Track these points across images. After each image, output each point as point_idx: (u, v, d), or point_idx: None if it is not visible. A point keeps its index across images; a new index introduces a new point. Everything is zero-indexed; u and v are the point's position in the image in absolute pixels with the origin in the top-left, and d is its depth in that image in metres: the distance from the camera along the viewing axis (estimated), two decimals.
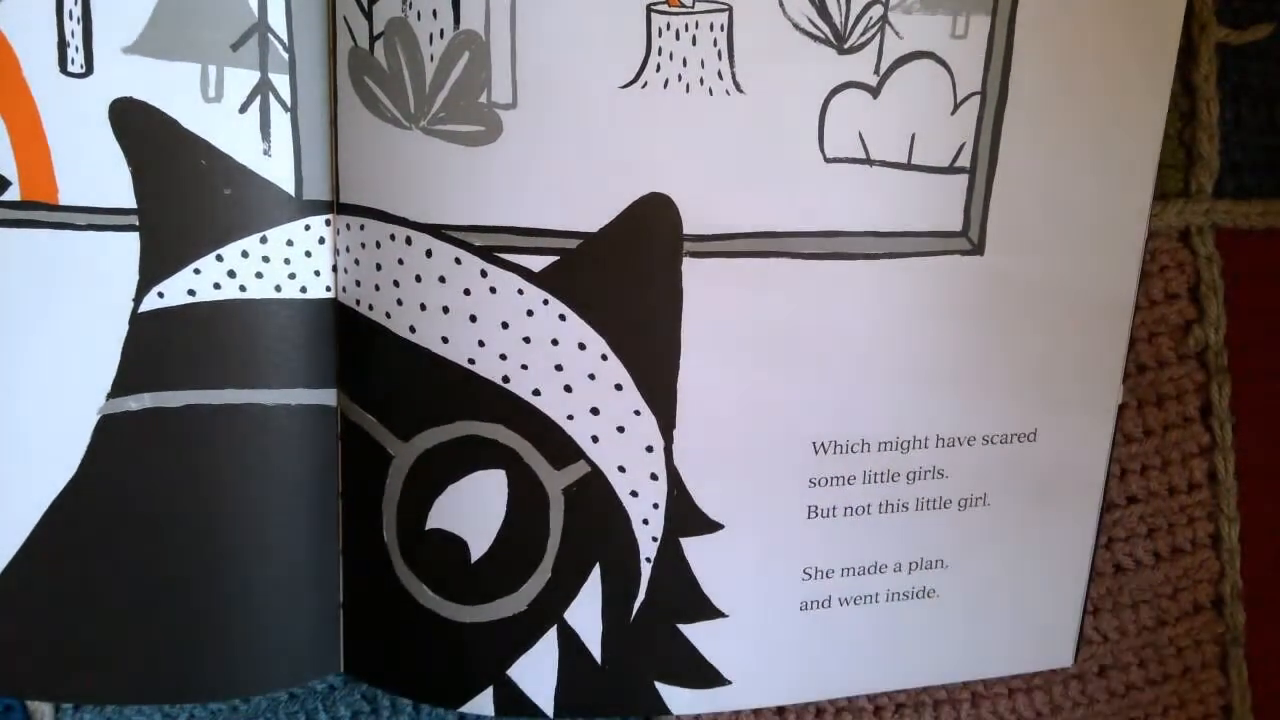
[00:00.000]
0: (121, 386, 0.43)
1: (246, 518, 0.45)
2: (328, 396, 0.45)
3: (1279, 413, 0.49)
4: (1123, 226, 0.45)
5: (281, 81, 0.42)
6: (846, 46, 0.41)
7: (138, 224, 0.42)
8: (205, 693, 0.47)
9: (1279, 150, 0.48)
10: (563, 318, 0.43)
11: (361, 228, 0.43)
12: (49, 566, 0.44)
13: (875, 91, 0.42)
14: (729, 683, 0.47)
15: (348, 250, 0.44)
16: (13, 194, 0.42)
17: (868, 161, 0.42)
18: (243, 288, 0.43)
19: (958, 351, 0.45)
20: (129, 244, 0.42)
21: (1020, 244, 0.44)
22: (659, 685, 0.47)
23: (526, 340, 0.43)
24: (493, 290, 0.42)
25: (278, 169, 0.43)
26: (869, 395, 0.45)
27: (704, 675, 0.47)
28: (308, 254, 0.44)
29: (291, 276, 0.44)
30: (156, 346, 0.43)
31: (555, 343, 0.43)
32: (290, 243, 0.43)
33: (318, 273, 0.44)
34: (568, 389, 0.43)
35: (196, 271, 0.43)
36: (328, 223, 0.44)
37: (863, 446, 0.46)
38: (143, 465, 0.44)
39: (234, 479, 0.44)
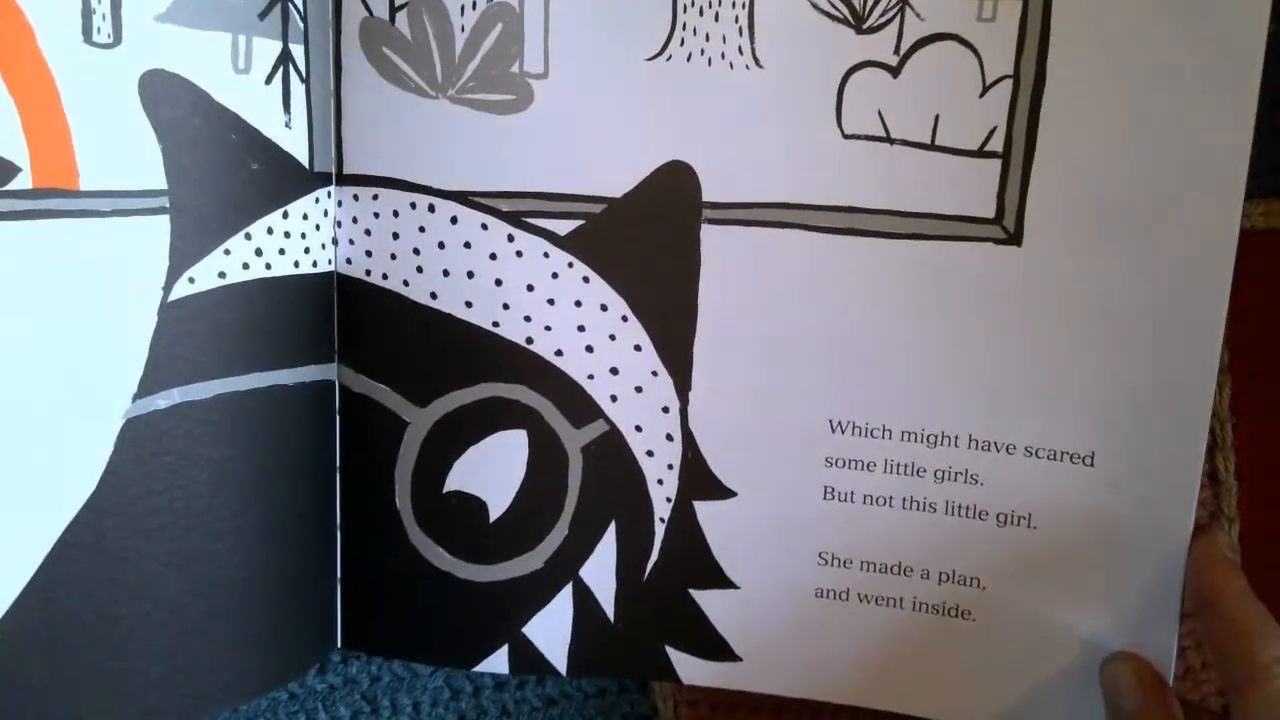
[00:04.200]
0: (149, 384, 0.40)
1: (265, 508, 0.43)
2: (331, 371, 0.45)
3: (1279, 413, 0.49)
4: (1204, 231, 0.41)
5: (299, 52, 0.42)
6: (865, 26, 0.42)
7: (167, 206, 0.39)
8: (219, 704, 0.44)
9: (1279, 150, 0.48)
10: (586, 280, 0.44)
11: (374, 197, 0.44)
12: (69, 588, 0.40)
13: (895, 71, 0.42)
14: (739, 659, 0.47)
15: (354, 221, 0.44)
16: (23, 181, 0.36)
17: (888, 140, 0.43)
18: (268, 266, 0.42)
19: (992, 347, 0.43)
20: (158, 228, 0.39)
21: (1068, 239, 0.42)
22: (669, 650, 0.47)
23: (550, 302, 0.44)
24: (519, 254, 0.44)
25: (296, 141, 0.43)
26: (889, 378, 0.44)
27: (714, 646, 0.47)
28: (317, 227, 0.44)
29: (306, 251, 0.43)
30: (186, 336, 0.40)
31: (578, 304, 0.44)
32: (305, 216, 0.43)
33: (324, 246, 0.44)
34: (589, 349, 0.44)
35: (227, 252, 0.41)
36: (330, 194, 0.44)
37: (883, 432, 0.45)
38: (170, 466, 0.40)
39: (256, 467, 0.43)
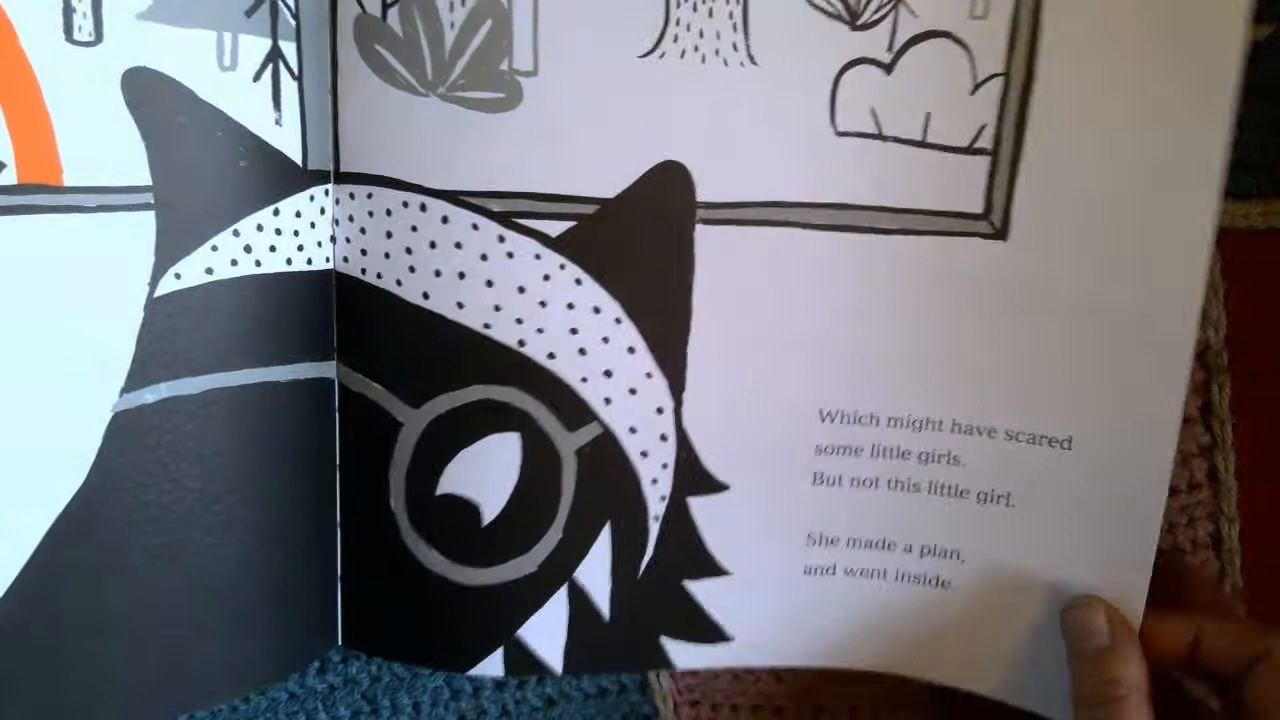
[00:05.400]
0: (137, 379, 0.40)
1: (258, 503, 0.44)
2: (328, 369, 0.45)
3: (1279, 413, 0.49)
4: (1181, 228, 0.42)
5: (290, 49, 0.42)
6: (859, 23, 0.42)
7: (153, 202, 0.39)
8: (212, 696, 0.45)
9: (1279, 150, 0.48)
10: (579, 282, 0.43)
11: (369, 196, 0.43)
12: (57, 581, 0.40)
13: (888, 68, 0.42)
14: (730, 639, 0.48)
15: (350, 220, 0.44)
16: (8, 177, 0.37)
17: (880, 137, 0.43)
18: (258, 263, 0.42)
19: (977, 337, 0.44)
20: (144, 224, 0.39)
21: (1052, 235, 0.43)
22: (663, 640, 0.47)
23: (543, 304, 0.44)
24: (510, 255, 0.43)
25: (287, 139, 0.42)
26: (878, 368, 0.45)
27: (707, 631, 0.47)
28: (312, 225, 0.43)
29: (300, 249, 0.43)
30: (174, 332, 0.40)
31: (571, 306, 0.44)
32: (298, 214, 0.43)
33: (320, 244, 0.44)
34: (582, 352, 0.44)
35: (214, 248, 0.41)
36: (326, 192, 0.44)
37: (871, 419, 0.46)
38: (159, 460, 0.41)
39: (248, 462, 0.43)
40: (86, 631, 0.41)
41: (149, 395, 0.40)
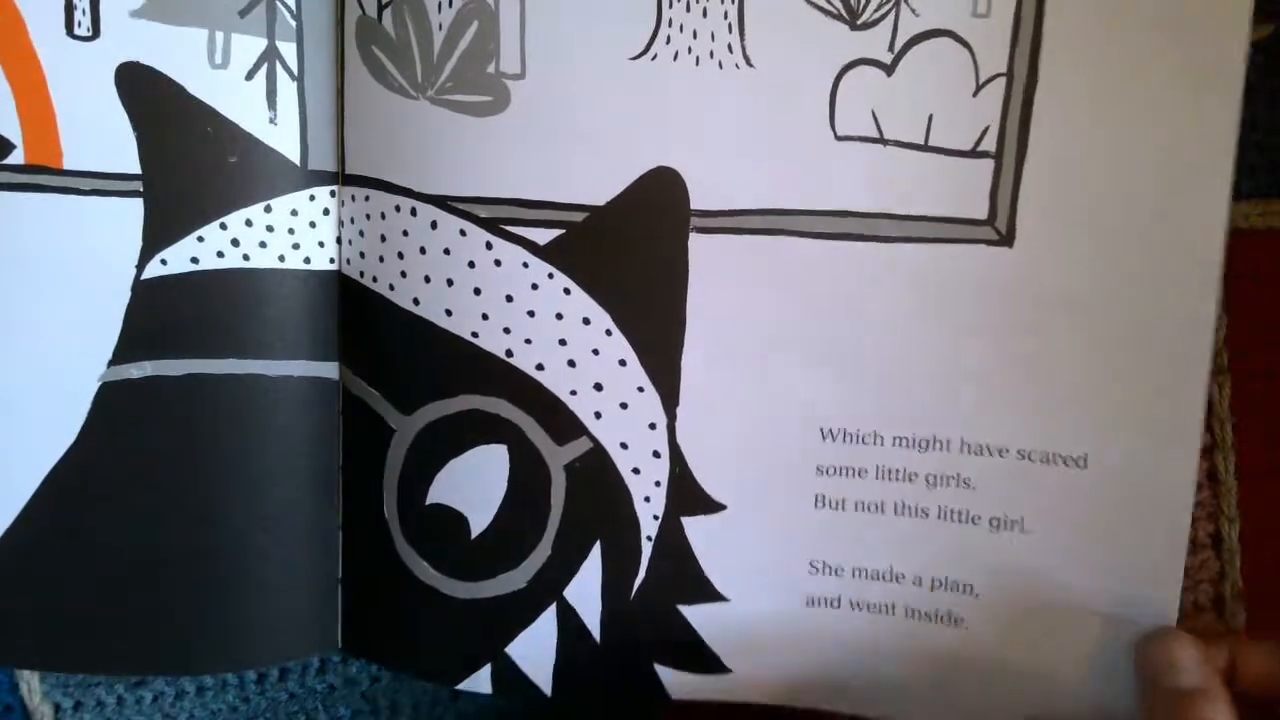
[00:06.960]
0: (123, 354, 0.44)
1: (246, 489, 0.45)
2: (330, 370, 0.45)
3: (1279, 413, 0.49)
4: (1192, 231, 0.41)
5: (289, 50, 0.42)
6: (859, 22, 0.41)
7: (142, 190, 0.42)
8: (201, 664, 0.47)
9: (1279, 150, 0.47)
10: (567, 292, 0.43)
11: (366, 199, 0.43)
12: (46, 535, 0.45)
13: (889, 69, 0.41)
14: (729, 671, 0.46)
15: (352, 222, 0.44)
16: (17, 157, 0.42)
17: (881, 141, 0.41)
18: (246, 257, 0.43)
19: (983, 350, 0.42)
20: (133, 210, 0.43)
21: (1060, 240, 0.41)
22: (657, 667, 0.46)
23: (530, 314, 0.43)
24: (497, 263, 0.42)
25: (283, 138, 0.43)
26: (882, 384, 0.43)
27: (703, 660, 0.46)
28: (312, 225, 0.44)
29: (295, 247, 0.44)
30: (158, 314, 0.43)
31: (559, 317, 0.43)
32: (295, 213, 0.44)
33: (322, 244, 0.44)
34: (571, 364, 0.43)
35: (200, 239, 0.43)
36: (332, 194, 0.44)
37: (875, 439, 0.44)
38: (143, 434, 0.44)
39: (234, 450, 0.45)
40: (81, 575, 0.45)
41: (134, 371, 0.44)
